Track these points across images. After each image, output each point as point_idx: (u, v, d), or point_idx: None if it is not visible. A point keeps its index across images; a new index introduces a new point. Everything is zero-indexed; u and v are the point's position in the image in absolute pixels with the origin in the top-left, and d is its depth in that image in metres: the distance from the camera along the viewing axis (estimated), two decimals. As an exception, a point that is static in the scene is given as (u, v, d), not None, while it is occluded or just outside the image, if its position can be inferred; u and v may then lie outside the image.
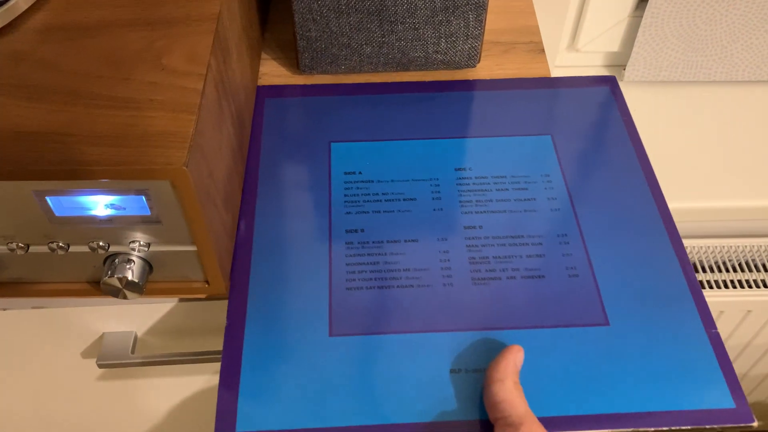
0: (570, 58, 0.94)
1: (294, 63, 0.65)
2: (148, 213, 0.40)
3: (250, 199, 0.54)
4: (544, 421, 0.43)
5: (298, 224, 0.53)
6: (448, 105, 0.62)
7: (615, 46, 0.94)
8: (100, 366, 0.55)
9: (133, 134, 0.39)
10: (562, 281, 0.50)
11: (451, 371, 0.45)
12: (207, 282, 0.46)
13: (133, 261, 0.43)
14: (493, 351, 0.46)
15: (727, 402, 0.44)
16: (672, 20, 0.84)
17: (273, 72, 0.65)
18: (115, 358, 0.55)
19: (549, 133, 0.60)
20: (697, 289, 0.50)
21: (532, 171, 0.57)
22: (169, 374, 0.62)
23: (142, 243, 0.43)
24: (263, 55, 0.67)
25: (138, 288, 0.43)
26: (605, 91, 0.64)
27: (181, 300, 0.55)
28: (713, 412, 0.44)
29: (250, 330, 0.47)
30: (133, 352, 0.56)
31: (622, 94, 0.63)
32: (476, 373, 0.45)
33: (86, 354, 0.60)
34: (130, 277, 0.42)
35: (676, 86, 0.94)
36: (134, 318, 0.57)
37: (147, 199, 0.39)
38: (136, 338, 0.58)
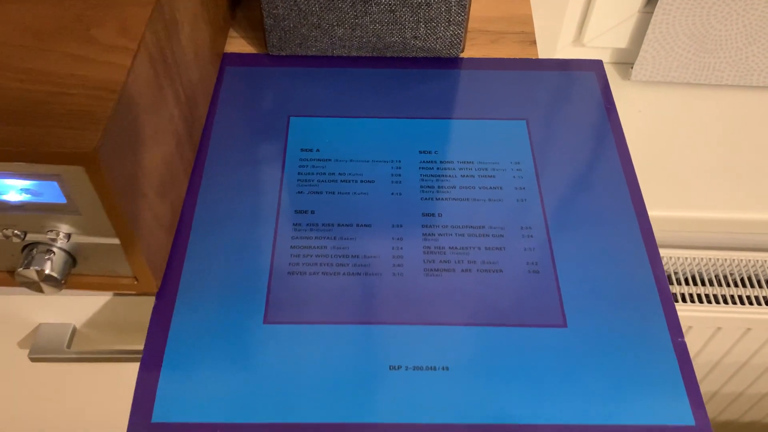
0: (575, 53, 0.90)
1: (264, 44, 0.61)
2: (64, 201, 0.37)
3: (196, 179, 0.51)
4: (489, 429, 0.40)
5: (244, 203, 0.49)
6: (418, 83, 0.58)
7: (623, 42, 0.89)
8: (32, 360, 0.52)
9: (45, 113, 0.35)
10: (521, 277, 0.46)
11: (391, 368, 0.42)
12: (136, 279, 0.43)
13: (53, 252, 0.40)
14: (440, 348, 0.43)
15: (688, 419, 0.41)
16: (684, 18, 0.80)
17: (240, 51, 0.61)
18: (48, 352, 0.52)
19: (524, 117, 0.56)
20: (666, 293, 0.46)
21: (502, 157, 0.53)
22: (109, 369, 0.59)
23: (62, 233, 0.40)
24: (232, 34, 0.63)
25: (56, 282, 0.40)
26: (590, 76, 0.60)
27: (117, 294, 0.52)
28: (672, 428, 0.41)
29: (178, 312, 0.44)
30: (69, 346, 0.53)
31: (607, 79, 0.59)
32: (418, 371, 0.42)
33: (23, 344, 0.58)
34: (47, 270, 0.39)
35: (684, 88, 0.89)
36: (74, 309, 0.53)
37: (61, 186, 0.36)
38: (74, 331, 0.55)
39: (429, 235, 0.48)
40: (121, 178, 0.37)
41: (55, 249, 0.40)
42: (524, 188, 0.51)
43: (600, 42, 0.89)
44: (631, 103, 0.86)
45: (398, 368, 0.42)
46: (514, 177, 0.52)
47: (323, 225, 0.48)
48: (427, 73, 0.59)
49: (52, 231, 0.40)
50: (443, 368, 0.42)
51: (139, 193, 0.40)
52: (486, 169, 0.52)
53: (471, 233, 0.48)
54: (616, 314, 0.45)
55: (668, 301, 0.46)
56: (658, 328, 0.44)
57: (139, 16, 0.41)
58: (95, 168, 0.35)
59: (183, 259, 0.46)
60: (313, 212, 0.49)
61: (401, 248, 0.47)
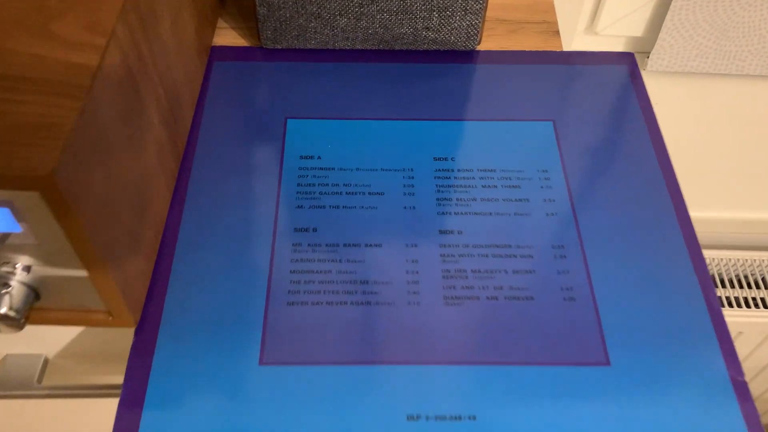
0: (587, 42, 0.83)
1: (257, 36, 0.55)
2: (19, 230, 0.31)
3: (181, 192, 0.45)
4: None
5: (235, 220, 0.43)
6: (431, 79, 0.52)
7: (639, 30, 0.83)
8: (-2, 397, 0.46)
9: (-10, 125, 0.29)
10: (555, 306, 0.40)
11: (409, 418, 0.36)
12: (110, 313, 0.37)
13: (11, 287, 0.34)
14: (465, 393, 0.37)
15: (753, 472, 0.35)
16: (705, 4, 0.73)
17: (230, 44, 0.55)
18: (16, 387, 0.46)
19: (551, 118, 0.50)
20: (721, 322, 0.40)
21: (528, 165, 0.47)
22: (86, 406, 0.53)
23: (20, 266, 0.33)
24: (221, 24, 0.56)
25: (15, 322, 0.34)
26: (622, 70, 0.53)
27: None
28: (734, 484, 0.35)
29: (161, 350, 0.38)
30: (40, 380, 0.46)
31: (641, 75, 0.53)
32: (440, 422, 0.36)
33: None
34: (3, 309, 0.33)
35: (704, 79, 0.83)
36: (46, 337, 0.47)
37: (14, 213, 0.30)
38: (46, 362, 0.48)
39: (448, 256, 0.42)
40: (88, 200, 0.31)
41: (12, 283, 0.34)
42: (554, 200, 0.45)
43: (614, 30, 0.83)
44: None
45: (417, 418, 0.36)
46: (542, 187, 0.46)
47: (327, 245, 0.42)
48: (440, 68, 0.53)
49: (8, 263, 0.33)
50: (470, 417, 0.36)
51: (111, 216, 0.34)
52: (510, 178, 0.46)
53: (496, 253, 0.42)
54: (665, 349, 0.39)
55: (724, 333, 0.40)
56: (715, 364, 0.39)
57: (109, 7, 0.34)
58: (53, 193, 0.29)
59: (165, 288, 0.40)
60: (315, 230, 0.43)
61: (417, 272, 0.41)
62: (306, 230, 0.43)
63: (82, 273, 0.34)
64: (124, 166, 0.35)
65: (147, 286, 0.40)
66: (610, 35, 0.83)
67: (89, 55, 0.32)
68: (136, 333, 0.39)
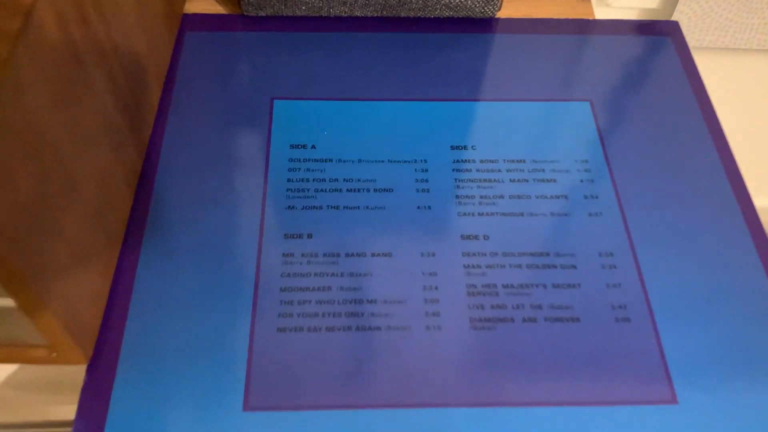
0: (598, 14, 0.76)
1: (237, 0, 0.46)
2: None
3: (145, 191, 0.37)
4: None
5: (212, 226, 0.35)
6: (446, 52, 0.44)
7: (653, 1, 0.75)
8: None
9: None
10: (607, 328, 0.33)
11: (433, 477, 0.29)
12: (53, 349, 0.29)
13: None
14: (500, 443, 0.29)
15: None
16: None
17: (206, 11, 0.46)
18: None
19: (588, 98, 0.42)
20: (806, 346, 0.33)
21: (564, 154, 0.39)
22: None
23: None
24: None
25: None
26: (665, 42, 0.46)
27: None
28: None
29: (118, 393, 0.30)
30: None
31: (688, 47, 0.45)
32: (471, 481, 0.29)
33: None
34: None
35: (724, 54, 0.75)
36: None
37: None
38: None
39: (473, 267, 0.34)
40: (8, 208, 0.23)
41: None
42: (597, 197, 0.37)
43: (626, 1, 0.75)
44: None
45: (444, 479, 0.29)
46: (581, 181, 0.38)
47: (325, 255, 0.34)
48: (454, 38, 0.45)
49: None
50: (510, 477, 0.29)
51: (47, 226, 0.26)
52: (543, 170, 0.38)
53: (531, 263, 0.35)
54: (742, 382, 0.32)
55: (812, 360, 0.33)
56: (804, 400, 0.31)
57: (38, -47, 0.26)
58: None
59: (126, 314, 0.32)
60: (310, 236, 0.35)
61: (436, 288, 0.34)
62: (299, 237, 0.35)
63: (8, 302, 0.26)
64: (65, 163, 0.27)
65: (101, 313, 0.32)
66: (622, 7, 0.75)
67: (8, 16, 0.24)
68: (89, 371, 0.31)
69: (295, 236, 0.35)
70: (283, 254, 0.34)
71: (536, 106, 0.41)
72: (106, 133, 0.31)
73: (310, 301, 0.33)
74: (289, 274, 0.34)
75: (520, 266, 0.35)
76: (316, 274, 0.34)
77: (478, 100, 0.41)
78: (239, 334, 0.32)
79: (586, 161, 0.39)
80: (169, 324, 0.32)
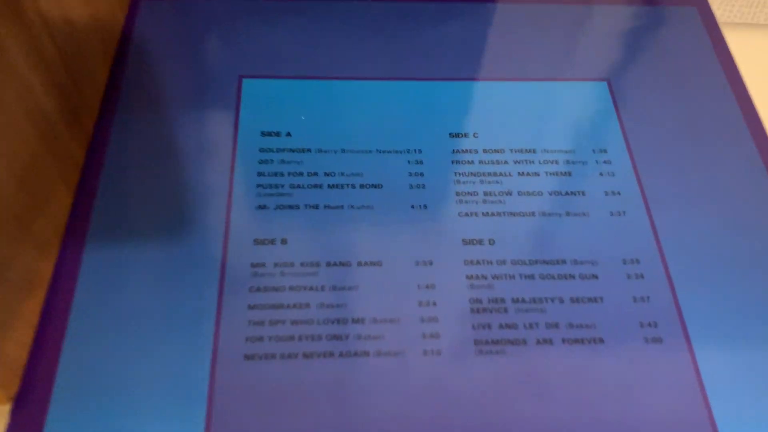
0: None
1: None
2: None
3: (88, 189, 0.31)
4: None
5: (168, 235, 0.30)
6: (441, 23, 0.38)
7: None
8: None
9: None
10: (636, 351, 0.28)
11: None
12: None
13: None
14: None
15: None
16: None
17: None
18: None
19: (605, 77, 0.36)
20: None
21: (580, 143, 0.34)
22: None
23: None
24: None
25: None
26: (690, 13, 0.40)
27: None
28: None
29: (47, 446, 0.25)
30: None
31: (715, 20, 0.40)
32: None
33: None
34: None
35: (750, 30, 0.70)
36: None
37: None
38: None
39: (478, 278, 0.29)
40: None
41: None
42: (619, 192, 0.32)
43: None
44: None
45: None
46: (601, 174, 0.33)
47: (302, 265, 0.29)
48: (452, 7, 0.39)
49: None
50: None
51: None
52: (556, 162, 0.33)
53: (545, 273, 0.29)
54: (796, 414, 0.27)
55: None
56: None
57: None
58: None
59: (60, 342, 0.27)
60: (284, 242, 0.30)
61: (434, 303, 0.28)
62: (271, 242, 0.30)
63: None
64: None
65: (29, 340, 0.26)
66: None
67: None
68: (13, 412, 0.25)
69: (266, 242, 0.30)
70: (252, 264, 0.29)
71: (547, 86, 0.36)
72: (29, 120, 0.26)
73: (284, 322, 0.28)
74: (258, 289, 0.28)
75: (532, 276, 0.29)
76: (291, 288, 0.28)
77: (481, 80, 0.36)
78: (198, 363, 0.26)
79: (605, 151, 0.33)
80: (115, 352, 0.26)
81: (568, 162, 0.33)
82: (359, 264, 0.29)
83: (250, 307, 0.28)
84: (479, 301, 0.29)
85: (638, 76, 0.37)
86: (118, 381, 0.26)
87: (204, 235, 0.29)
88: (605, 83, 0.36)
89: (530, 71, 0.36)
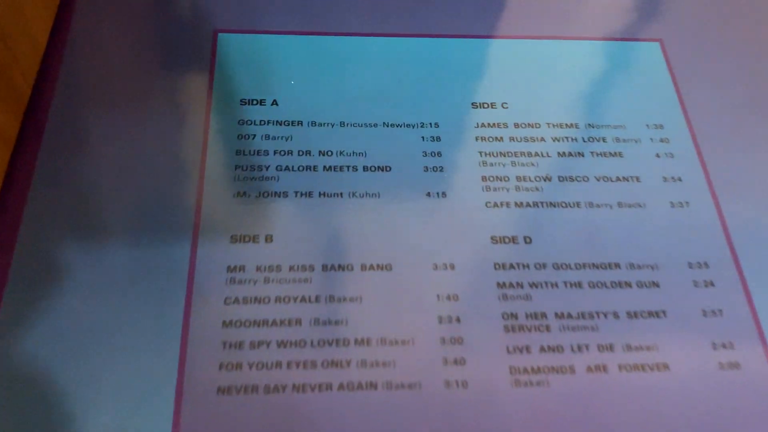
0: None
1: None
2: None
3: (23, 169, 0.24)
4: None
5: (121, 230, 0.23)
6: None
7: None
8: None
9: None
10: (708, 379, 0.22)
11: None
12: None
13: None
14: None
15: None
16: None
17: None
18: None
19: (657, 36, 0.30)
20: None
21: (630, 115, 0.28)
22: None
23: None
24: None
25: None
26: (752, -39, 0.34)
27: None
28: None
29: None
30: None
31: (782, -32, 0.33)
32: None
33: None
34: None
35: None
36: None
37: None
38: None
39: (511, 287, 0.23)
40: None
41: None
42: (680, 179, 0.26)
43: None
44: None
45: None
46: (657, 156, 0.27)
47: (291, 269, 0.23)
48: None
49: None
50: None
51: None
52: (604, 140, 0.27)
53: (595, 280, 0.24)
54: None
55: None
56: None
57: None
58: None
59: (-26, 370, 0.21)
60: (269, 239, 0.24)
61: (458, 320, 0.23)
62: (252, 240, 0.23)
63: None
64: None
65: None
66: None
67: None
68: None
69: (246, 239, 0.23)
70: (228, 268, 0.23)
71: (587, 46, 0.29)
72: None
73: (268, 343, 0.22)
74: (236, 300, 0.22)
75: (579, 284, 0.24)
76: (278, 299, 0.22)
77: (510, 38, 0.29)
78: (159, 399, 0.20)
79: (661, 126, 0.27)
80: (58, 383, 0.21)
81: (617, 140, 0.27)
82: (363, 268, 0.23)
83: (225, 325, 0.22)
84: (514, 316, 0.23)
85: (695, 35, 0.30)
86: (59, 422, 0.20)
87: (167, 229, 0.23)
88: (658, 44, 0.30)
89: (570, 29, 0.30)
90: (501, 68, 0.28)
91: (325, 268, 0.23)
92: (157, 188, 0.24)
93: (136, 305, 0.22)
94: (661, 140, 0.27)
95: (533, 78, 0.28)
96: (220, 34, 0.28)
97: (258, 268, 0.23)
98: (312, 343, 0.22)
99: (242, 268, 0.23)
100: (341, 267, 0.23)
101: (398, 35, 0.29)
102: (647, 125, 0.27)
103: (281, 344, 0.22)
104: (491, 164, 0.26)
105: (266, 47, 0.28)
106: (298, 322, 0.22)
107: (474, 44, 0.29)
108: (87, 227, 0.23)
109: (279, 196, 0.24)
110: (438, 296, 0.23)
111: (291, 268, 0.23)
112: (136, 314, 0.22)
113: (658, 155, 0.27)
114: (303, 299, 0.22)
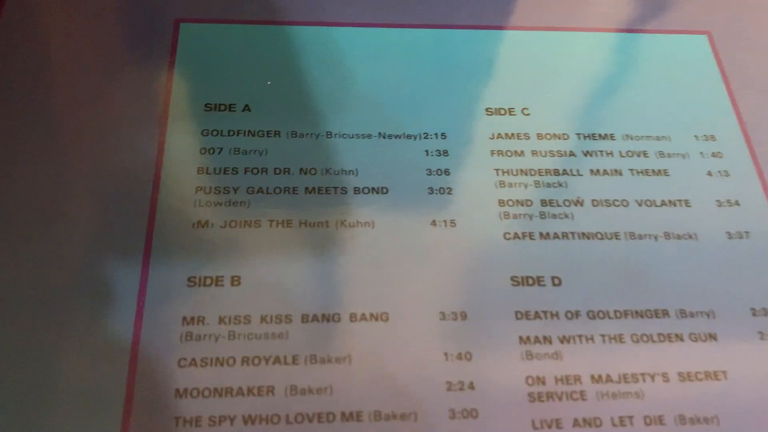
0: None
1: None
2: None
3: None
4: None
5: (45, 277, 0.19)
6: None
7: None
8: None
9: None
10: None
11: None
12: None
13: None
14: None
15: None
16: None
17: None
18: None
19: (705, 29, 0.25)
20: None
21: (675, 124, 0.23)
22: None
23: None
24: None
25: None
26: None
27: None
28: None
29: None
30: None
31: None
32: None
33: None
34: None
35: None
36: None
37: None
38: None
39: (537, 342, 0.19)
40: None
41: None
42: (738, 202, 0.22)
43: None
44: None
45: None
46: (709, 174, 0.22)
47: (263, 320, 0.18)
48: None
49: None
50: None
51: None
52: (645, 154, 0.22)
53: (638, 332, 0.19)
54: None
55: None
56: None
57: None
58: None
59: None
60: (236, 282, 0.19)
61: (471, 386, 0.18)
62: (215, 282, 0.19)
63: None
64: None
65: None
66: None
67: None
68: None
69: (207, 282, 0.19)
70: (184, 319, 0.18)
71: (623, 39, 0.25)
72: None
73: (232, 419, 0.17)
74: (192, 362, 0.18)
75: (620, 339, 0.19)
76: (246, 361, 0.18)
77: (531, 29, 0.25)
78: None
79: (713, 137, 0.23)
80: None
81: (661, 154, 0.22)
82: (353, 318, 0.19)
83: (179, 394, 0.17)
84: (541, 380, 0.18)
85: (748, 26, 0.26)
86: None
87: (107, 266, 0.19)
88: (705, 36, 0.25)
89: (600, 18, 0.25)
90: (521, 66, 0.24)
91: (305, 318, 0.19)
92: (97, 215, 0.19)
93: (63, 368, 0.17)
94: (714, 155, 0.22)
95: (559, 78, 0.23)
96: (182, 24, 0.23)
97: (221, 320, 0.18)
98: (288, 418, 0.17)
99: (201, 320, 0.18)
100: (326, 317, 0.19)
101: (396, 26, 0.24)
102: (696, 136, 0.23)
103: (249, 419, 0.17)
104: (510, 185, 0.21)
105: (236, 40, 0.23)
106: (271, 390, 0.18)
107: (488, 36, 0.24)
108: (13, 280, 0.18)
109: (250, 226, 0.20)
110: (446, 355, 0.18)
111: (263, 319, 0.18)
112: (61, 381, 0.17)
113: (710, 173, 0.22)
114: (277, 360, 0.18)
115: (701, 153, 0.22)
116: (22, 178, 0.20)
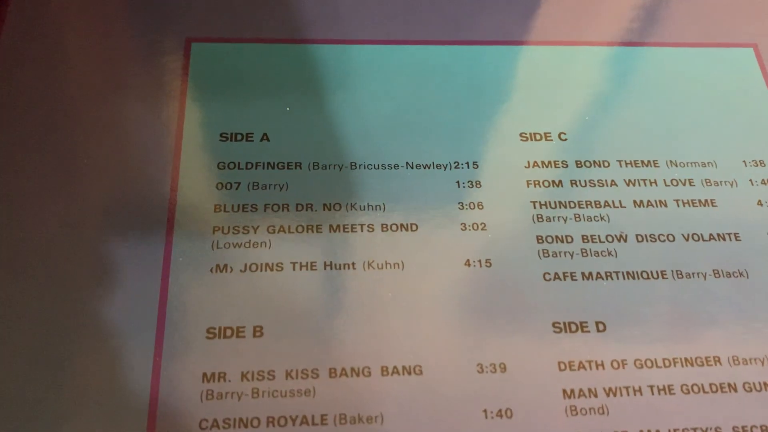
0: None
1: None
2: None
3: None
4: None
5: (46, 321, 0.17)
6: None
7: None
8: None
9: None
10: None
11: None
12: None
13: None
14: None
15: None
16: None
17: None
18: None
19: (752, 41, 0.24)
20: None
21: (722, 149, 0.22)
22: None
23: None
24: None
25: None
26: None
27: None
28: None
29: None
30: None
31: None
32: None
33: None
34: None
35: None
36: None
37: None
38: None
39: (583, 397, 0.18)
40: None
41: None
42: (792, 235, 0.20)
43: None
44: None
45: None
46: (760, 204, 0.21)
47: (289, 375, 0.17)
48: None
49: None
50: None
51: None
52: (691, 183, 0.21)
53: (688, 382, 0.18)
54: None
55: None
56: None
57: None
58: None
59: None
60: (258, 333, 0.18)
61: (512, 445, 0.17)
62: (237, 334, 0.18)
63: None
64: None
65: None
66: None
67: None
68: None
69: (228, 332, 0.18)
70: (204, 376, 0.17)
71: (664, 54, 0.23)
72: None
73: (259, 486, 0.16)
74: (215, 424, 0.16)
75: (669, 390, 0.18)
76: (270, 422, 0.17)
77: (568, 44, 0.23)
78: None
79: (763, 163, 0.21)
80: None
81: (707, 183, 0.21)
82: (385, 372, 0.17)
83: (201, 460, 0.16)
84: (587, 439, 0.17)
85: (799, 37, 0.24)
86: None
87: (123, 321, 0.17)
88: (751, 49, 0.24)
89: (643, 32, 0.24)
90: (558, 85, 0.22)
91: (332, 373, 0.17)
92: (110, 262, 0.18)
93: (79, 436, 0.16)
94: (763, 182, 0.21)
95: (599, 98, 0.22)
96: (194, 43, 0.22)
97: (243, 375, 0.17)
98: (318, 485, 0.16)
99: (223, 376, 0.17)
100: (354, 371, 0.17)
101: (423, 42, 0.22)
102: (744, 162, 0.21)
103: (276, 487, 0.16)
104: (548, 218, 0.20)
105: (253, 60, 0.21)
106: (298, 454, 0.16)
107: (522, 53, 0.22)
108: (18, 337, 0.17)
109: (271, 269, 0.18)
110: (486, 412, 0.17)
111: (288, 374, 0.17)
112: (78, 451, 0.16)
113: (760, 203, 0.21)
114: (305, 420, 0.17)
115: (750, 180, 0.21)
116: (29, 215, 0.18)
